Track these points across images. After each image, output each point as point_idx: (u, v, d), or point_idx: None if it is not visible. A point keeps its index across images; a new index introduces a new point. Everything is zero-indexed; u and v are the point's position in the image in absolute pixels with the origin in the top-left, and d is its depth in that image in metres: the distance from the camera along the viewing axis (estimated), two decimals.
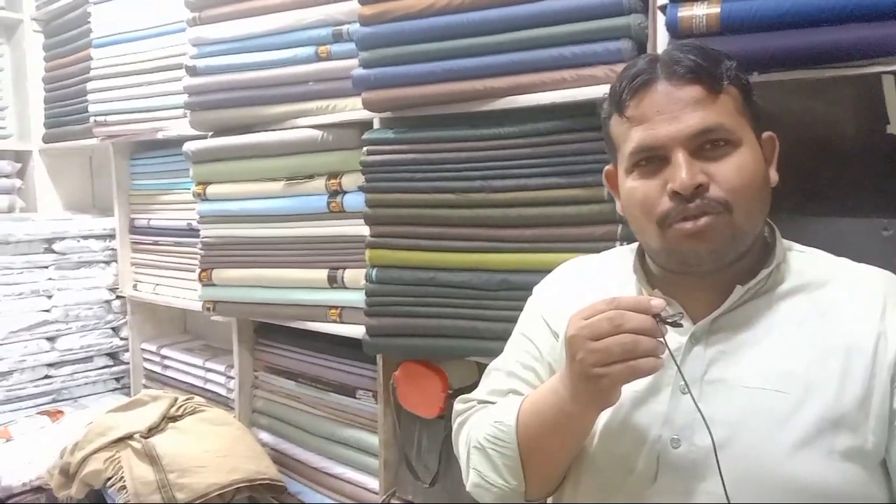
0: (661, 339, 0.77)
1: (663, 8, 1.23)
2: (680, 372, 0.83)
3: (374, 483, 1.97)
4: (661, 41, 1.29)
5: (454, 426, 1.07)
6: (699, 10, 1.17)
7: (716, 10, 1.16)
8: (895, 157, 1.24)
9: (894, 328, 0.83)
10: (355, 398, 2.04)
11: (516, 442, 0.91)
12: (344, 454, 2.08)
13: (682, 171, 0.83)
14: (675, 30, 1.20)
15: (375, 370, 1.90)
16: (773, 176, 0.92)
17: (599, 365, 0.78)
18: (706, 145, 0.85)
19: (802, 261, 0.92)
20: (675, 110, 0.84)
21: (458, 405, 1.08)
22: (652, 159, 0.87)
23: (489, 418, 0.96)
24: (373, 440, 1.96)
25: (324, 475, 2.12)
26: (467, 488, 1.00)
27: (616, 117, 0.91)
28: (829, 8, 1.08)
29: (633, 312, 0.77)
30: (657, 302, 0.78)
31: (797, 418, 0.80)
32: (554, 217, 1.48)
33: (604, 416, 0.90)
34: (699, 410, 0.81)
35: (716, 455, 0.80)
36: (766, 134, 0.92)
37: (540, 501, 0.99)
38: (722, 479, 0.80)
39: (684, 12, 1.18)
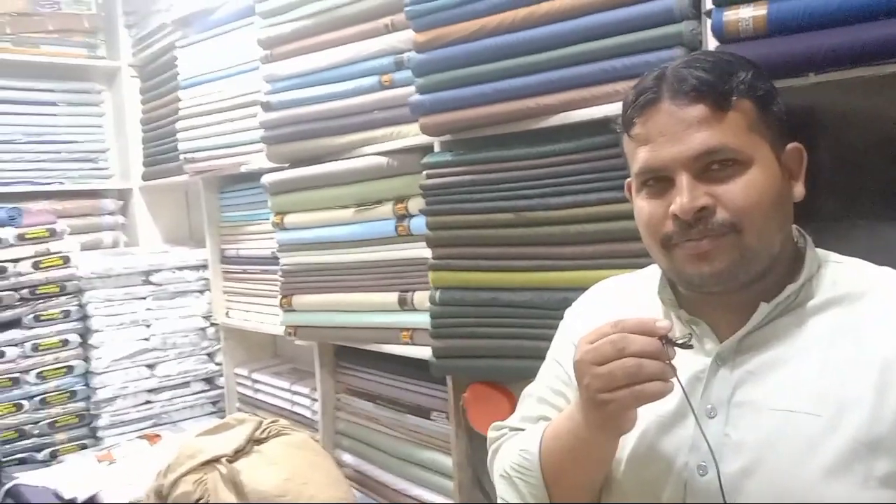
0: (669, 362, 0.74)
1: (709, 13, 1.20)
2: (684, 392, 0.79)
3: None
4: (713, 47, 1.25)
5: (489, 454, 1.06)
6: (745, 13, 1.13)
7: (762, 11, 1.12)
8: None
9: None
10: (430, 419, 2.05)
11: (540, 470, 0.89)
12: (421, 476, 2.09)
13: (684, 195, 0.80)
14: (721, 34, 1.17)
15: (447, 391, 1.91)
16: (799, 190, 0.87)
17: (604, 391, 0.75)
18: (713, 166, 0.81)
19: (838, 272, 0.86)
20: (678, 131, 0.81)
21: (491, 433, 1.07)
22: (659, 180, 0.84)
23: (516, 446, 0.95)
24: (447, 462, 1.96)
25: (402, 496, 2.14)
26: None
27: (626, 135, 0.89)
28: (880, 1, 1.02)
29: (636, 335, 0.74)
30: (662, 324, 0.75)
31: (829, 442, 0.75)
32: (613, 232, 1.45)
33: (630, 443, 0.87)
34: (705, 438, 0.78)
35: (720, 483, 0.76)
36: (791, 145, 0.87)
37: None
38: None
39: (730, 16, 1.15)
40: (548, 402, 1.00)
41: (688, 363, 0.79)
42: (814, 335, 0.82)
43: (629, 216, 1.39)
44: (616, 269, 1.42)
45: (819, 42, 1.08)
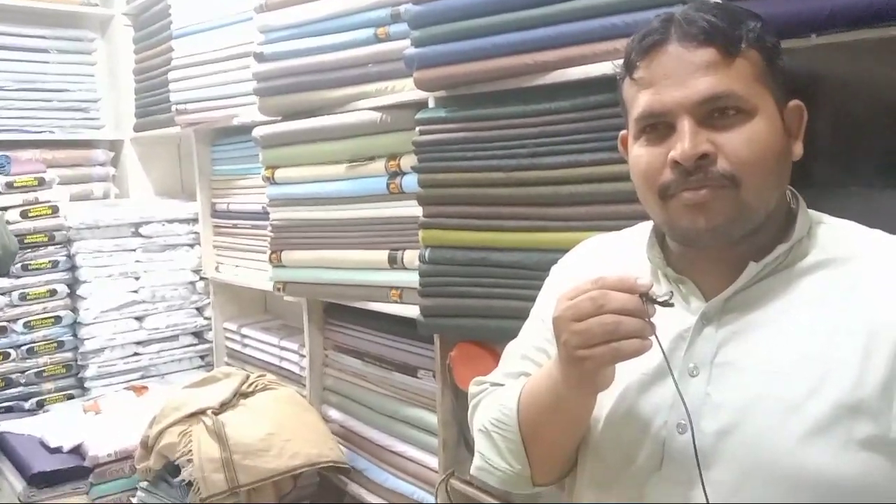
0: (648, 319, 0.73)
1: None
2: (662, 350, 0.77)
3: (434, 461, 1.97)
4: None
5: (469, 409, 1.05)
6: None
7: None
8: None
9: None
10: (416, 377, 2.05)
11: (517, 425, 0.89)
12: (406, 433, 2.10)
13: (686, 140, 0.77)
14: None
15: (434, 350, 1.90)
16: (798, 149, 0.85)
17: (582, 347, 0.74)
18: (716, 113, 0.78)
19: (830, 234, 0.84)
20: (683, 74, 0.78)
21: (472, 388, 1.06)
22: (658, 126, 0.81)
23: (495, 401, 0.94)
24: (433, 419, 1.96)
25: (388, 452, 2.15)
26: (471, 471, 0.98)
27: (627, 79, 0.86)
28: None
29: (616, 292, 0.73)
30: (644, 281, 0.74)
31: (811, 404, 0.74)
32: (606, 194, 1.43)
33: (609, 402, 0.86)
34: (681, 396, 0.76)
35: (693, 442, 0.76)
36: (792, 103, 0.84)
37: (550, 485, 0.96)
38: (699, 465, 0.76)
39: None
40: (530, 358, 0.99)
41: (673, 321, 0.78)
42: (802, 297, 0.80)
43: (622, 178, 1.39)
44: (607, 230, 1.40)
45: (823, 2, 1.05)
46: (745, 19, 0.81)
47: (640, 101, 0.82)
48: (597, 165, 1.44)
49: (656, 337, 0.74)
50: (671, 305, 0.76)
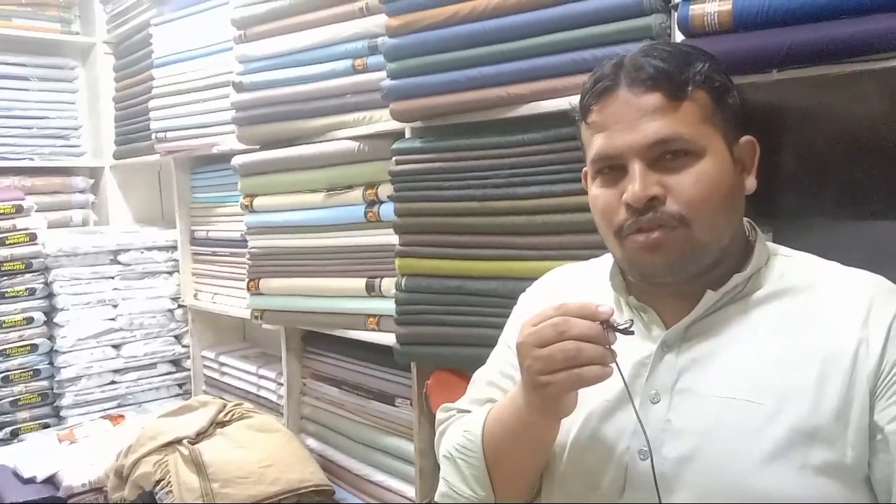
0: (608, 347, 0.75)
1: (676, 6, 1.20)
2: (622, 377, 0.80)
3: (411, 491, 1.97)
4: (680, 41, 1.25)
5: (437, 436, 1.06)
6: (711, 7, 1.14)
7: (727, 6, 1.12)
8: None
9: (877, 335, 0.77)
10: (394, 406, 2.05)
11: (482, 451, 0.90)
12: (384, 462, 2.09)
13: (636, 182, 0.80)
14: (686, 28, 1.17)
15: (411, 378, 1.91)
16: (751, 183, 0.88)
17: (544, 373, 0.76)
18: (666, 155, 0.81)
19: (786, 265, 0.87)
20: (633, 119, 0.81)
21: (439, 414, 1.07)
22: (613, 168, 0.84)
23: (461, 428, 0.96)
24: (410, 448, 1.96)
25: (365, 482, 2.14)
26: (436, 498, 0.99)
27: (583, 122, 0.89)
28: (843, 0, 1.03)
29: (578, 319, 0.75)
30: (604, 309, 0.76)
31: (769, 430, 0.76)
32: (578, 223, 1.45)
33: (573, 429, 0.87)
34: (640, 423, 0.78)
35: (653, 469, 0.77)
36: (743, 139, 0.87)
37: None
38: (657, 490, 0.77)
39: (696, 10, 1.16)
40: (497, 385, 1.00)
41: (634, 349, 0.80)
42: (759, 325, 0.83)
43: None
44: (581, 259, 1.42)
45: (782, 39, 1.09)
46: (693, 61, 0.84)
47: (594, 144, 0.85)
48: (569, 196, 1.46)
49: (616, 364, 0.76)
50: (631, 333, 0.78)
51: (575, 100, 1.36)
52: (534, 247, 1.52)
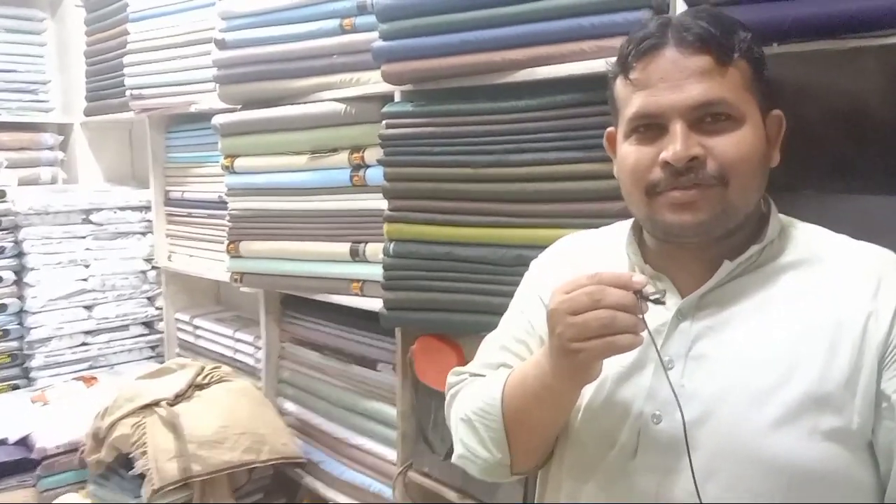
0: (641, 316, 0.76)
1: None
2: (655, 345, 0.81)
3: (392, 454, 1.98)
4: (682, 10, 1.25)
5: (447, 398, 1.07)
6: None
7: None
8: None
9: (886, 308, 0.79)
10: (376, 370, 2.05)
11: (501, 415, 0.91)
12: (364, 425, 2.11)
13: (678, 142, 0.80)
14: None
15: (395, 343, 1.91)
16: (775, 157, 0.89)
17: (577, 340, 0.77)
18: (707, 118, 0.82)
19: (799, 237, 0.89)
20: (679, 79, 0.81)
21: (450, 378, 1.08)
22: (650, 126, 0.84)
23: (477, 391, 0.96)
24: (392, 412, 1.98)
25: (345, 445, 2.15)
26: (453, 460, 1.00)
27: (621, 79, 0.88)
28: None
29: (613, 288, 0.76)
30: (638, 278, 0.77)
31: (779, 395, 0.78)
32: (571, 192, 1.45)
33: (588, 392, 0.89)
34: (671, 387, 0.80)
35: (685, 433, 0.79)
36: (773, 112, 0.88)
37: (526, 474, 0.98)
38: (689, 456, 0.79)
39: None
40: (509, 349, 1.01)
41: (650, 316, 0.81)
42: (772, 295, 0.84)
43: (586, 177, 1.43)
44: (571, 228, 1.41)
45: (786, 12, 1.09)
46: (738, 29, 0.85)
47: (634, 101, 0.85)
48: (562, 164, 1.46)
49: (649, 332, 0.78)
50: (663, 303, 0.79)
51: (575, 68, 1.40)
52: (525, 214, 1.52)
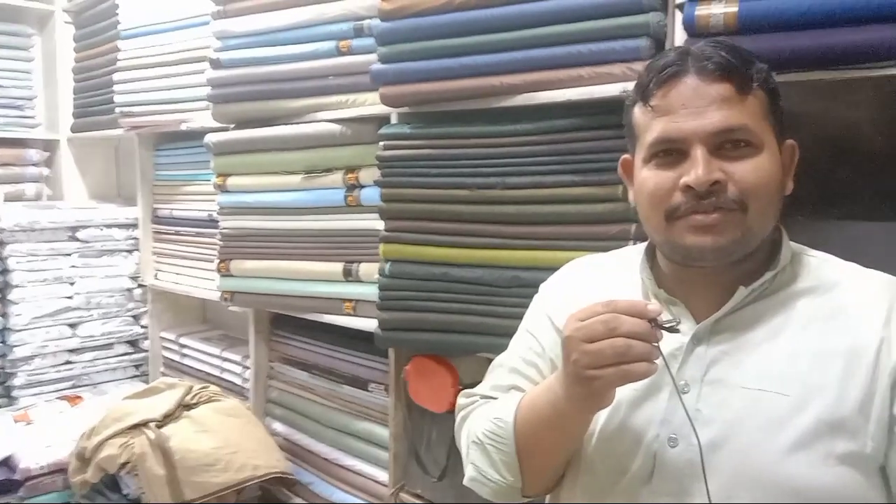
0: (656, 344, 0.77)
1: (681, 6, 1.23)
2: (670, 373, 0.83)
3: (383, 476, 1.98)
4: (679, 39, 1.28)
5: (457, 420, 1.07)
6: (717, 9, 1.16)
7: (733, 8, 1.15)
8: None
9: None
10: (367, 391, 2.05)
11: (513, 438, 0.91)
12: (355, 446, 2.10)
13: (700, 167, 0.82)
14: (692, 28, 1.19)
15: (387, 364, 1.91)
16: (789, 185, 0.91)
17: (592, 367, 0.77)
18: (727, 145, 0.84)
19: (811, 264, 0.91)
20: (700, 105, 0.83)
21: (461, 400, 1.08)
22: (671, 152, 0.86)
23: (489, 414, 0.97)
24: (383, 433, 1.97)
25: (335, 466, 2.14)
26: (465, 482, 1.00)
27: (640, 106, 0.90)
28: (848, 8, 1.07)
29: (628, 316, 0.77)
30: (653, 307, 0.78)
31: (795, 420, 0.80)
32: (568, 215, 1.47)
33: (602, 417, 0.90)
34: (685, 411, 0.81)
35: (701, 455, 0.80)
36: (787, 142, 0.91)
37: (537, 499, 0.98)
38: (705, 479, 0.80)
39: (702, 10, 1.18)
40: (520, 372, 1.02)
41: (665, 340, 0.82)
42: (787, 321, 0.86)
43: (584, 200, 1.45)
44: (568, 250, 1.44)
45: (784, 44, 1.12)
46: (755, 61, 0.87)
47: (654, 127, 0.87)
48: (559, 187, 1.48)
49: (664, 359, 0.79)
50: (677, 332, 0.81)
51: (573, 94, 1.43)
52: (522, 236, 1.53)
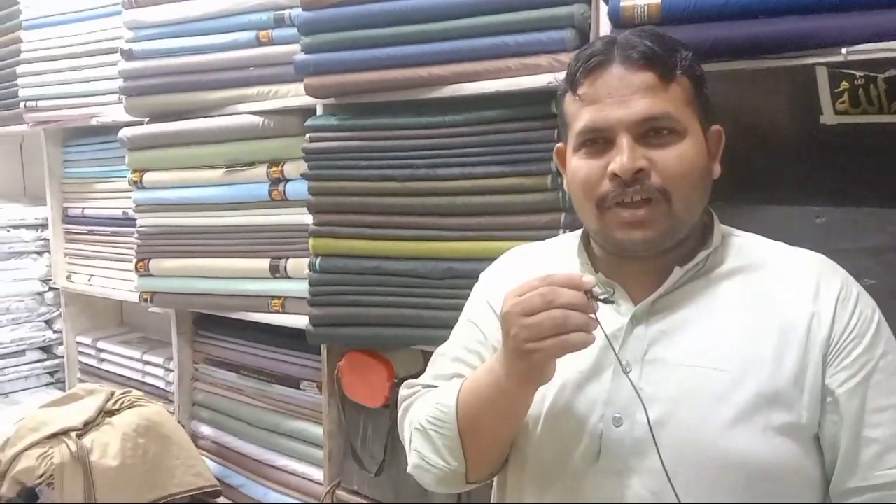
0: (593, 315, 0.78)
1: None
2: (615, 353, 0.85)
3: (318, 474, 1.95)
4: (604, 30, 1.29)
5: (399, 412, 1.07)
6: (641, 0, 1.18)
7: (657, 0, 1.17)
8: (828, 147, 1.27)
9: (826, 309, 0.85)
10: (299, 389, 2.01)
11: (456, 422, 0.91)
12: (288, 446, 2.06)
13: (625, 154, 0.84)
14: (616, 19, 1.21)
15: (320, 361, 1.88)
16: (716, 169, 0.94)
17: (531, 340, 0.78)
18: (651, 132, 0.86)
19: (740, 244, 0.94)
20: (625, 94, 0.85)
21: (403, 391, 1.07)
22: (598, 140, 0.87)
23: (431, 400, 0.97)
24: (317, 431, 1.94)
25: (267, 467, 2.10)
26: (408, 470, 1.00)
27: (569, 95, 0.91)
28: (765, 0, 1.10)
29: (564, 288, 0.78)
30: (588, 279, 0.80)
31: (734, 395, 0.83)
32: (498, 205, 1.48)
33: (547, 399, 0.90)
34: (635, 388, 0.83)
35: (651, 431, 0.82)
36: (713, 127, 0.93)
37: (480, 483, 0.99)
38: (659, 454, 0.82)
39: (626, 2, 1.19)
40: (462, 360, 1.02)
41: (605, 322, 0.83)
42: (721, 299, 0.89)
43: (513, 190, 1.46)
44: (500, 241, 1.45)
45: (706, 34, 1.14)
46: (680, 48, 0.89)
47: (582, 116, 0.88)
48: (488, 178, 1.49)
49: (602, 328, 0.80)
50: (612, 302, 0.83)
51: (500, 85, 1.43)
52: (453, 227, 1.53)
